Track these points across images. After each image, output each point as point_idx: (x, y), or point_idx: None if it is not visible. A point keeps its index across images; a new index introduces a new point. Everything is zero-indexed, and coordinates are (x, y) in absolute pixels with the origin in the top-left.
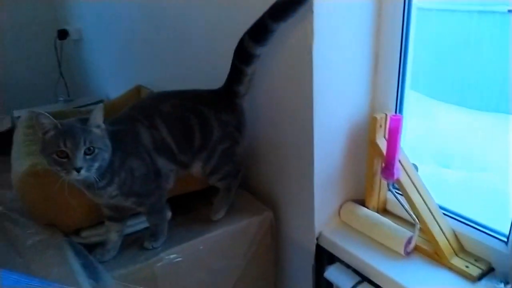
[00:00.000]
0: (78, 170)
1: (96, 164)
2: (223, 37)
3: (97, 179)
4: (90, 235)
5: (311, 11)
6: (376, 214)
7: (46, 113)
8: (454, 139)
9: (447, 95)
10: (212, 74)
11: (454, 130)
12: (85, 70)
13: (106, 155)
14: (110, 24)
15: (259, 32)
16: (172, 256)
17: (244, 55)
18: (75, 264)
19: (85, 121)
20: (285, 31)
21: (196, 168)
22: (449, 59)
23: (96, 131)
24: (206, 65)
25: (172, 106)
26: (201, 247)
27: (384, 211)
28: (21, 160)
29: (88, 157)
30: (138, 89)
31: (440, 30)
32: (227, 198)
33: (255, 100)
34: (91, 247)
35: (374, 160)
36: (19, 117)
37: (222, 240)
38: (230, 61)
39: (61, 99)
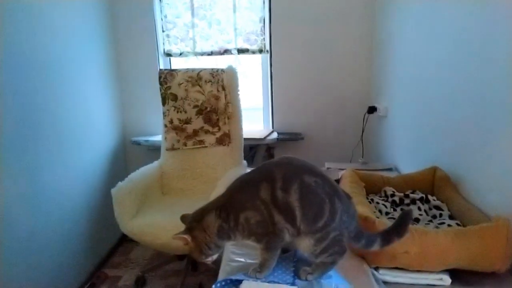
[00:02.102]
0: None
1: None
2: None
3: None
4: (385, 274)
5: None
6: None
7: None
8: None
9: None
10: None
11: None
12: (381, 141)
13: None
14: (413, 106)
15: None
16: None
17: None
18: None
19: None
20: None
21: (306, 243)
22: None
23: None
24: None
25: (315, 182)
26: None
27: None
28: None
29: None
30: (434, 170)
31: None
32: (325, 268)
33: None
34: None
35: None
36: (328, 168)
37: None
38: None
39: (359, 160)
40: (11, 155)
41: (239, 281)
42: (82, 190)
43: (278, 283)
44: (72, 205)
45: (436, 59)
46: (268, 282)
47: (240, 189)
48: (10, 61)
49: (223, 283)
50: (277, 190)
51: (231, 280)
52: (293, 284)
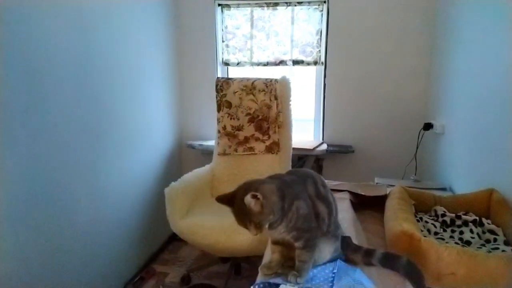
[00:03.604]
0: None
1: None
2: None
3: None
4: None
5: None
6: None
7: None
8: None
9: None
10: None
11: None
12: (436, 159)
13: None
14: (472, 125)
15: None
16: None
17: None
18: None
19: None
20: None
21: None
22: None
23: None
24: None
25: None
26: None
27: None
28: (396, 222)
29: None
30: (490, 192)
31: None
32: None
33: None
34: None
35: None
36: (377, 183)
37: None
38: None
39: (411, 178)
40: (77, 151)
41: (277, 285)
42: (138, 188)
43: None
44: (128, 202)
45: (498, 74)
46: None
47: (290, 182)
48: (84, 64)
49: (261, 285)
50: (319, 186)
51: (269, 284)
52: None
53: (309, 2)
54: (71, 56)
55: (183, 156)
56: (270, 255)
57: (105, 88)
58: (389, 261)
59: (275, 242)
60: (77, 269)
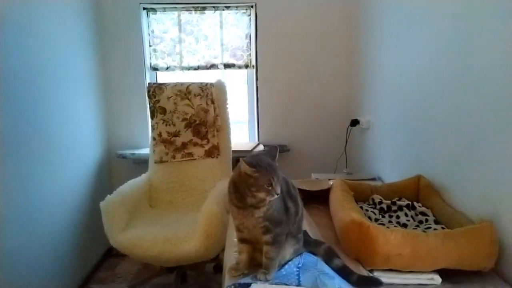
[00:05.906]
0: (278, 194)
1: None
2: None
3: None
4: (379, 276)
5: None
6: None
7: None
8: None
9: None
10: None
11: None
12: (364, 152)
13: None
14: (395, 119)
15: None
16: None
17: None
18: None
19: (272, 158)
20: None
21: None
22: None
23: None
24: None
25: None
26: None
27: None
28: (345, 212)
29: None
30: (418, 178)
31: None
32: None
33: None
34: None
35: None
36: (317, 178)
37: None
38: None
39: (344, 171)
40: None
41: (248, 285)
42: (66, 205)
43: (285, 284)
44: (56, 220)
45: (415, 71)
46: (275, 283)
47: None
48: None
49: (232, 287)
50: (290, 187)
51: (240, 284)
52: (298, 285)
53: (236, 7)
54: None
55: (113, 167)
56: (236, 257)
57: (24, 96)
58: (343, 274)
59: (243, 240)
60: None
